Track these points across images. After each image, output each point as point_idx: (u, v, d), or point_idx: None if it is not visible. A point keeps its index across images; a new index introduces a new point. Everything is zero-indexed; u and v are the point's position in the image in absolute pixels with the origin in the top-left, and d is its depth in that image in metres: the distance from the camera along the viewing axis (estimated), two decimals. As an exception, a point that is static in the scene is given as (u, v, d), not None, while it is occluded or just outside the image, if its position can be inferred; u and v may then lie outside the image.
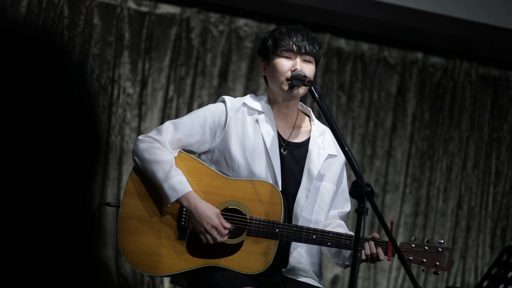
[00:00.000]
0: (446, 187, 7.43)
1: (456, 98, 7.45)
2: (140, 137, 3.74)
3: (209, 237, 3.60)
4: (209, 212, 3.60)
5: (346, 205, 3.92)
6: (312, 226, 3.67)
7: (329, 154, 3.80)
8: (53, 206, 1.13)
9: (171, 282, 3.98)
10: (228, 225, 3.61)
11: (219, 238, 3.60)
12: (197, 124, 3.72)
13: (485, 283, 3.22)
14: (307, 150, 3.79)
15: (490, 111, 7.56)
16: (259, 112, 3.76)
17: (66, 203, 1.15)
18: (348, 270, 3.71)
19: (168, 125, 3.73)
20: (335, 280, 7.08)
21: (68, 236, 1.15)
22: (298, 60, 3.69)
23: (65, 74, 1.19)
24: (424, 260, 3.68)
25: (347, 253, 3.69)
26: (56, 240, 1.14)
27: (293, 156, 3.77)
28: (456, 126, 7.45)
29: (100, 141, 1.20)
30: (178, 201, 3.62)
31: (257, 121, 3.75)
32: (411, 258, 3.66)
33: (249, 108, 3.77)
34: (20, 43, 1.15)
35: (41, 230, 1.12)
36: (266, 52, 3.76)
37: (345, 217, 3.98)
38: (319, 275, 3.83)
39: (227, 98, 3.79)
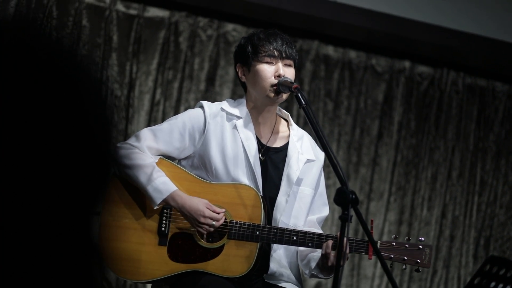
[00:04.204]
0: (431, 196, 7.45)
1: (442, 107, 7.47)
2: (118, 144, 3.71)
3: (206, 227, 3.60)
4: (198, 205, 3.60)
5: (324, 209, 3.92)
6: None
7: (308, 159, 3.81)
8: (45, 208, 1.13)
9: (152, 288, 3.97)
10: (219, 209, 3.62)
11: (216, 224, 3.60)
12: (176, 130, 3.71)
13: (467, 293, 3.23)
14: (285, 155, 3.79)
15: (476, 121, 7.58)
16: (238, 117, 3.76)
17: (60, 207, 1.15)
18: (330, 277, 3.70)
19: (145, 131, 3.72)
20: (318, 286, 7.09)
21: (58, 240, 1.15)
22: (280, 64, 3.69)
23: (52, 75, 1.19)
24: (405, 258, 3.68)
25: (313, 264, 3.68)
26: (44, 243, 1.14)
27: (272, 161, 3.77)
28: (442, 135, 7.47)
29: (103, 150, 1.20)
30: (164, 201, 3.62)
31: (235, 126, 3.74)
32: (392, 256, 3.67)
33: (227, 113, 3.76)
34: (7, 43, 1.15)
35: (32, 232, 1.12)
36: (246, 58, 3.74)
37: (325, 222, 3.97)
38: (299, 277, 3.83)
39: (205, 103, 3.78)
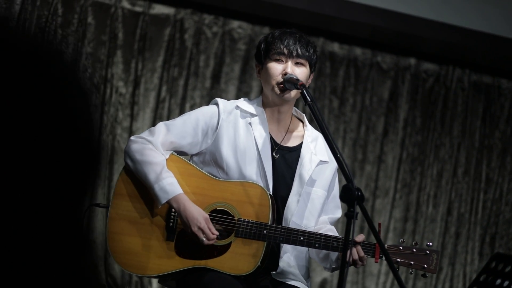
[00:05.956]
0: (436, 193, 7.45)
1: (448, 104, 7.47)
2: (132, 137, 3.73)
3: (195, 239, 3.61)
4: (197, 215, 3.60)
5: (337, 211, 3.92)
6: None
7: (321, 160, 3.81)
8: (43, 206, 1.13)
9: (159, 282, 3.98)
10: (216, 231, 3.61)
11: (205, 241, 3.60)
12: (189, 126, 3.72)
13: (473, 290, 3.23)
14: (299, 155, 3.79)
15: (482, 118, 7.58)
16: (252, 115, 3.77)
17: (57, 204, 1.14)
18: (336, 274, 3.72)
19: (160, 126, 3.73)
20: (323, 283, 7.09)
21: (58, 236, 1.15)
22: (289, 63, 3.70)
23: (57, 73, 1.19)
24: (412, 263, 3.67)
25: (334, 256, 3.70)
26: (45, 240, 1.13)
27: (285, 160, 3.78)
28: (448, 132, 7.47)
29: (92, 141, 1.20)
30: (168, 202, 3.63)
31: (250, 123, 3.75)
32: (399, 260, 3.66)
33: (242, 110, 3.77)
34: (13, 41, 1.15)
35: (30, 230, 1.12)
36: (260, 56, 3.78)
37: (336, 223, 3.97)
38: (307, 277, 3.85)
39: (220, 100, 3.80)
